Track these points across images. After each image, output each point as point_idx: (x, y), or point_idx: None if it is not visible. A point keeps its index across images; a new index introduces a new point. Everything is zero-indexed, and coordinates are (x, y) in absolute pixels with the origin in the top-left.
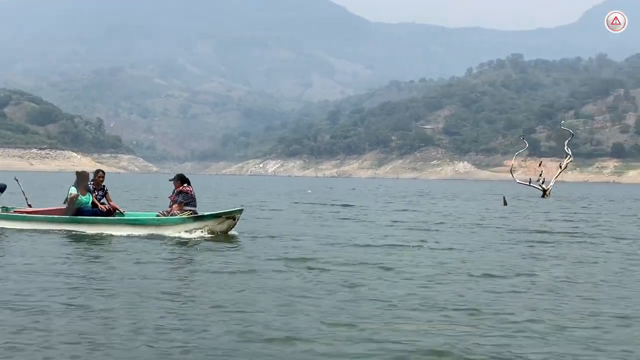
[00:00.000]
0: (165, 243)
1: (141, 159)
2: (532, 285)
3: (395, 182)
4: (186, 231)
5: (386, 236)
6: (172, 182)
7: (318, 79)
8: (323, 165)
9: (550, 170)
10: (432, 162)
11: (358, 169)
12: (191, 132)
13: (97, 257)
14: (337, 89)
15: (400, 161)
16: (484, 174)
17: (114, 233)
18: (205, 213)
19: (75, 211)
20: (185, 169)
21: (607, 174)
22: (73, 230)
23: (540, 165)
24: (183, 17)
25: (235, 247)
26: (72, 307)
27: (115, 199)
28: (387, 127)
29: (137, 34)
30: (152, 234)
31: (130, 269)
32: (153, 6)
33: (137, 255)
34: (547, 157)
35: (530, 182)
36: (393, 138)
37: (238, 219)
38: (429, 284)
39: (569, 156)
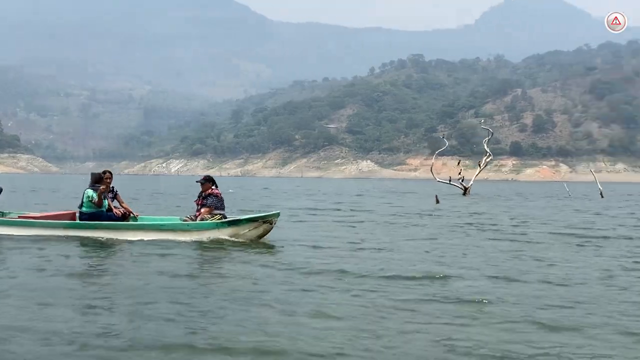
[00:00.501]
0: (196, 250)
1: (40, 159)
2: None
3: (303, 181)
4: (218, 237)
5: (348, 237)
6: (200, 183)
7: (221, 78)
8: (227, 165)
9: (451, 168)
10: (336, 161)
11: (262, 168)
12: (92, 132)
13: (120, 266)
14: (239, 88)
15: (304, 160)
16: (387, 172)
17: (135, 238)
18: (241, 217)
19: (90, 216)
20: (87, 168)
21: (506, 172)
22: (89, 237)
23: (458, 164)
24: (84, 14)
25: (274, 255)
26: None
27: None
28: (290, 127)
29: (36, 31)
30: (180, 240)
31: (156, 280)
32: (54, 3)
33: (164, 265)
34: (448, 155)
35: (450, 181)
36: (297, 137)
37: (275, 223)
38: (454, 287)
39: (488, 154)
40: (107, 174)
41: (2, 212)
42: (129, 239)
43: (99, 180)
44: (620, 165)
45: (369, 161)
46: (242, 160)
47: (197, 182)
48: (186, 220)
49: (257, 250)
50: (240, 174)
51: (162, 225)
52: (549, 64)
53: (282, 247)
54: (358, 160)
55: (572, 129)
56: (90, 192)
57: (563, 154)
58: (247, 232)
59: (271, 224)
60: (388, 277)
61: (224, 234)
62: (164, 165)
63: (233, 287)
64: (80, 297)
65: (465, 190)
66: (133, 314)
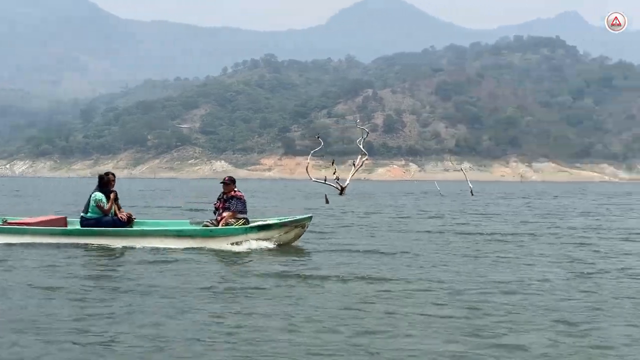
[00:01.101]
0: (224, 258)
1: None
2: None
3: (159, 182)
4: (247, 243)
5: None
6: (223, 185)
7: (68, 77)
8: (76, 166)
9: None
10: (190, 162)
11: (113, 168)
12: None
13: (135, 276)
14: (88, 87)
15: (157, 161)
16: (242, 172)
17: (152, 246)
18: (271, 222)
19: (96, 222)
20: None
21: (359, 171)
22: (97, 244)
23: (332, 164)
24: None
25: (308, 261)
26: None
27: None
28: (142, 126)
29: None
30: (202, 247)
31: (170, 294)
32: None
33: (181, 276)
34: (302, 155)
35: (325, 180)
36: (149, 137)
37: (307, 227)
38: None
39: (364, 154)
40: (111, 175)
41: None
42: (146, 246)
43: (107, 183)
44: (466, 164)
45: (223, 161)
46: (92, 161)
47: (220, 182)
48: (207, 226)
49: (287, 257)
50: (90, 175)
51: (182, 231)
52: (398, 64)
53: (310, 253)
54: (212, 161)
55: (420, 129)
56: (99, 195)
57: (412, 153)
58: (278, 237)
59: (303, 227)
60: (375, 281)
61: (252, 239)
62: (7, 166)
63: (257, 303)
64: (88, 312)
65: (342, 190)
66: (145, 334)
